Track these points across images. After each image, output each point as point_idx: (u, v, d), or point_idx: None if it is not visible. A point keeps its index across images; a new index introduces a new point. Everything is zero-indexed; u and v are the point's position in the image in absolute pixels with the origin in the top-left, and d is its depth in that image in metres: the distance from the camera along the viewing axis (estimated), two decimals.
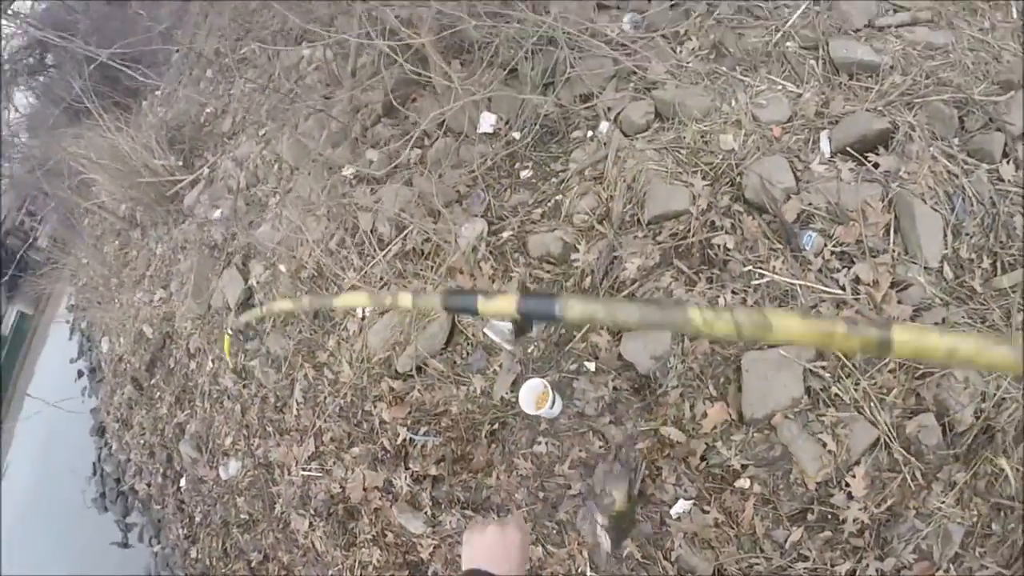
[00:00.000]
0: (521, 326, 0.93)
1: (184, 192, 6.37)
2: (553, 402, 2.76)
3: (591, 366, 2.88)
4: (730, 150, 2.91)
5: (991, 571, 2.14)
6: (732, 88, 3.13)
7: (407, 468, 3.04)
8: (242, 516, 4.11)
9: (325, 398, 3.65)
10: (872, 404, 2.26)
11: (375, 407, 3.29)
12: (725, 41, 3.29)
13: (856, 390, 2.29)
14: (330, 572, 3.42)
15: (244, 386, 4.30)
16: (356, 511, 3.30)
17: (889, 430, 2.22)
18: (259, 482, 3.99)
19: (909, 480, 2.19)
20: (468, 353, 3.18)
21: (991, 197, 2.61)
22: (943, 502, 2.15)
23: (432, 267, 3.53)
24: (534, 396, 2.81)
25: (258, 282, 4.53)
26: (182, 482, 4.82)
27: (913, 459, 2.19)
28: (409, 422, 3.10)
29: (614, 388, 2.81)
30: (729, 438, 2.55)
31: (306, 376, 3.80)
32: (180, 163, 6.47)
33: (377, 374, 3.35)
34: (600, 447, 2.74)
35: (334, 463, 3.45)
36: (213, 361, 4.75)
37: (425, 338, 3.21)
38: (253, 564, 3.98)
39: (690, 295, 2.83)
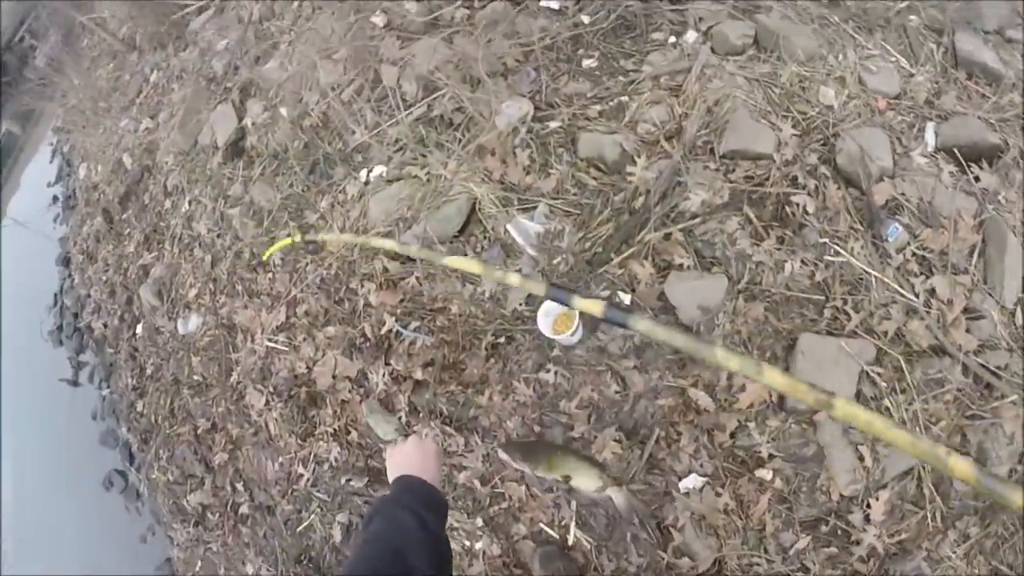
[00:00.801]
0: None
1: (191, 17, 5.49)
2: (577, 328, 2.20)
3: (626, 298, 2.31)
4: (828, 106, 2.55)
5: None
6: (842, 41, 2.72)
7: (387, 364, 2.49)
8: (195, 377, 3.59)
9: (307, 265, 3.05)
10: (918, 429, 2.03)
11: (362, 287, 2.71)
12: None
13: (907, 410, 2.04)
14: (280, 459, 2.94)
15: (219, 235, 3.68)
16: (320, 399, 2.79)
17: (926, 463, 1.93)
18: (218, 344, 3.45)
19: (929, 520, 2.00)
20: (483, 247, 2.58)
21: None
22: (954, 552, 1.97)
23: (460, 141, 2.86)
24: (555, 316, 2.25)
25: (253, 123, 3.81)
26: (138, 328, 4.27)
27: (939, 499, 2.01)
28: (399, 312, 2.53)
29: None
30: (764, 421, 2.11)
31: (290, 235, 3.18)
32: None
33: (372, 249, 2.75)
34: (616, 392, 2.20)
35: (304, 340, 2.89)
36: (190, 203, 4.09)
37: (437, 219, 2.59)
38: (199, 431, 3.50)
39: (755, 251, 2.30)
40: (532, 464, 2.05)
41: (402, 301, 2.55)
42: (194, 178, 4.16)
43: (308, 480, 2.77)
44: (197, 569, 3.56)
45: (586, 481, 2.09)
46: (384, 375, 2.47)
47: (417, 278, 2.56)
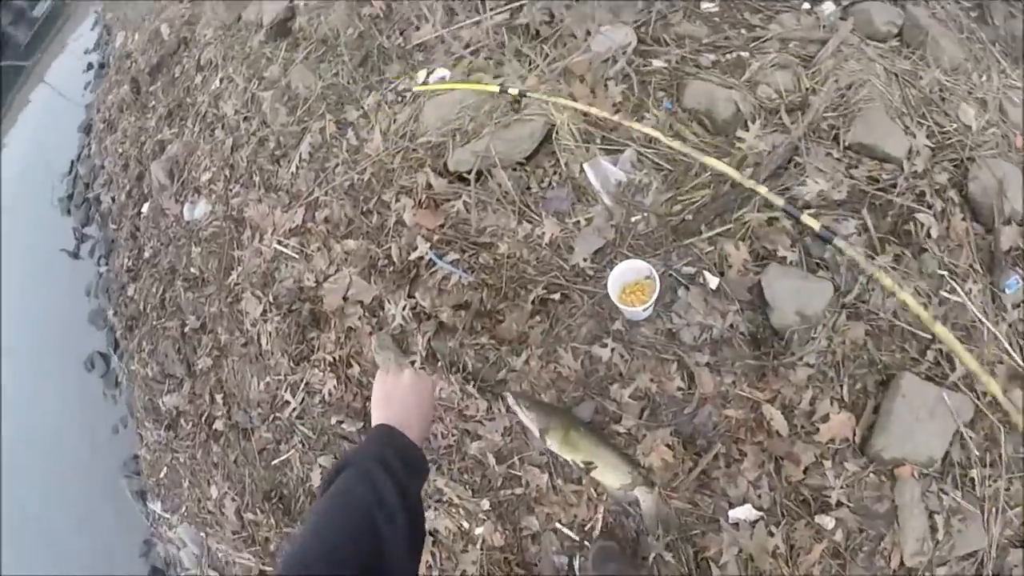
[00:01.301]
0: None
1: None
2: (652, 303, 1.72)
3: (712, 280, 1.82)
4: (967, 126, 2.16)
5: None
6: (987, 61, 2.37)
7: (411, 296, 2.03)
8: (192, 270, 3.16)
9: (336, 166, 2.57)
10: (995, 510, 1.72)
11: (397, 201, 2.23)
12: (993, 9, 2.59)
13: (990, 485, 1.72)
14: (267, 379, 2.52)
15: (245, 119, 3.19)
16: (324, 320, 2.34)
17: (992, 549, 1.68)
18: (223, 237, 3.00)
19: None
20: (551, 184, 2.07)
21: None
22: None
23: (545, 57, 2.33)
24: (628, 281, 1.77)
25: (306, 4, 3.28)
26: (144, 208, 3.83)
27: None
28: (436, 239, 2.05)
29: (730, 325, 1.77)
30: (842, 463, 1.70)
31: (323, 131, 2.69)
32: None
33: (417, 160, 2.26)
34: (679, 390, 1.73)
35: (318, 250, 2.43)
36: (221, 81, 3.59)
37: (506, 138, 2.08)
38: (187, 329, 3.09)
39: (869, 264, 1.83)
40: (544, 429, 1.62)
41: (442, 226, 2.07)
42: (231, 55, 3.65)
43: (294, 410, 2.35)
44: (161, 475, 3.20)
45: (612, 475, 1.65)
46: (405, 308, 2.01)
47: (466, 203, 2.07)
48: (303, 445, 2.33)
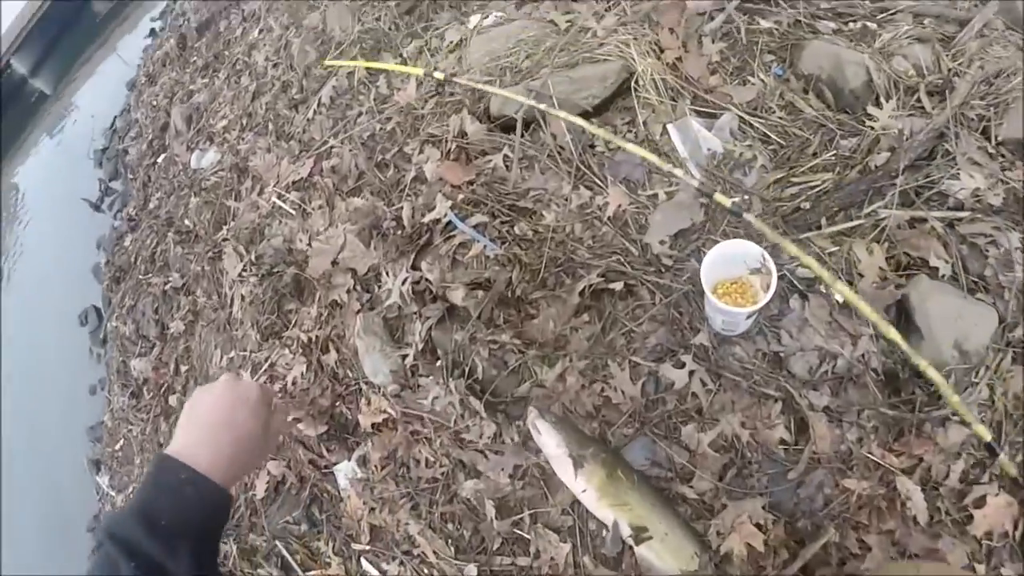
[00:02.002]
0: None
1: None
2: (755, 312, 1.12)
3: (837, 294, 1.22)
4: None
5: None
6: None
7: (415, 267, 1.46)
8: (186, 222, 2.67)
9: (359, 115, 2.05)
10: None
11: (420, 152, 1.69)
12: None
13: None
14: (232, 353, 1.98)
15: (275, 65, 2.74)
16: (308, 291, 1.80)
17: None
18: (223, 188, 2.51)
19: None
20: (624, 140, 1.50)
21: None
22: None
23: None
24: (725, 277, 1.18)
25: None
26: (160, 158, 3.41)
27: None
28: (460, 198, 1.48)
29: (861, 356, 1.16)
30: (997, 568, 1.12)
31: (350, 76, 2.19)
32: None
33: (453, 104, 1.72)
34: (782, 444, 1.11)
35: (320, 207, 1.90)
36: (260, 31, 3.17)
37: (571, 78, 1.52)
38: (168, 287, 2.59)
39: None
40: (578, 458, 1.01)
41: (471, 184, 1.50)
42: (276, 6, 3.23)
43: None
44: (117, 447, 2.69)
45: (670, 554, 1.02)
46: (406, 283, 1.45)
47: (507, 158, 1.51)
48: None
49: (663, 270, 1.26)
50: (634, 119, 1.51)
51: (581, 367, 1.19)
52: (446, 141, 1.63)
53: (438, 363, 1.33)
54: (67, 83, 7.51)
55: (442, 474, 1.28)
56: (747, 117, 1.53)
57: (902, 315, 1.22)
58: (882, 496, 1.08)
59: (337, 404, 1.55)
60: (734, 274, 1.18)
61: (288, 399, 1.61)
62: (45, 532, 3.15)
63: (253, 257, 2.02)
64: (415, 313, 1.41)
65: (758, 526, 1.06)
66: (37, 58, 8.10)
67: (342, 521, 1.47)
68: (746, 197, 1.40)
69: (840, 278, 1.24)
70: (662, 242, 1.29)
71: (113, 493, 2.58)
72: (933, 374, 1.12)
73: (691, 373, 1.15)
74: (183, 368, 2.31)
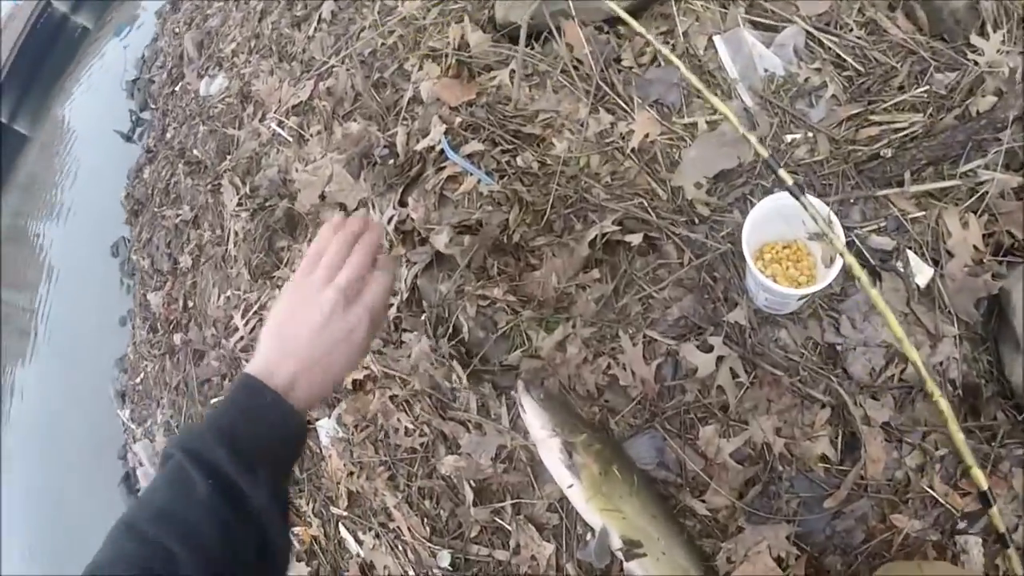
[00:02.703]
0: None
1: None
2: (816, 286, 0.82)
3: (920, 271, 0.90)
4: None
5: None
6: None
7: (402, 203, 1.21)
8: (195, 152, 2.49)
9: (362, 30, 1.76)
10: None
11: (420, 68, 1.40)
12: None
13: None
14: (228, 292, 1.82)
15: None
16: (300, 224, 1.59)
17: None
18: (228, 115, 2.30)
19: None
20: (656, 59, 1.18)
21: None
22: None
23: None
24: (773, 239, 0.88)
25: None
26: (177, 87, 3.20)
27: None
28: (458, 121, 1.21)
29: (939, 363, 0.86)
30: None
31: None
32: None
33: (456, 12, 1.41)
34: (823, 461, 0.85)
35: (318, 133, 1.66)
36: None
37: None
38: (179, 220, 2.45)
39: None
40: (568, 444, 0.79)
41: (471, 105, 1.22)
42: None
43: (242, 340, 1.63)
44: (138, 380, 2.65)
45: (668, 568, 0.81)
46: (392, 221, 1.21)
47: (513, 73, 1.21)
48: None
49: (696, 221, 0.97)
50: (672, 29, 1.18)
51: (586, 335, 0.94)
52: (447, 55, 1.33)
53: (423, 317, 1.10)
54: (108, 17, 7.35)
55: (421, 445, 1.08)
56: (816, 33, 1.17)
57: (994, 314, 0.90)
58: (933, 544, 0.82)
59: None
60: (788, 236, 0.89)
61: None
62: (79, 458, 3.23)
63: (248, 189, 1.82)
64: (403, 256, 1.17)
65: (778, 560, 0.81)
66: None
67: (322, 482, 1.32)
68: (810, 135, 1.07)
69: (924, 255, 0.93)
70: (698, 185, 0.99)
71: (134, 426, 2.55)
72: None
73: (719, 359, 0.88)
74: (190, 304, 2.19)
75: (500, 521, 0.97)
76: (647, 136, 1.05)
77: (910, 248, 0.96)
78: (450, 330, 1.04)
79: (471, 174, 1.10)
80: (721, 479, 0.82)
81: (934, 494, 0.80)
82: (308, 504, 1.36)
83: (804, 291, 0.79)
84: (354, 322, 0.50)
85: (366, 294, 0.52)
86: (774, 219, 0.84)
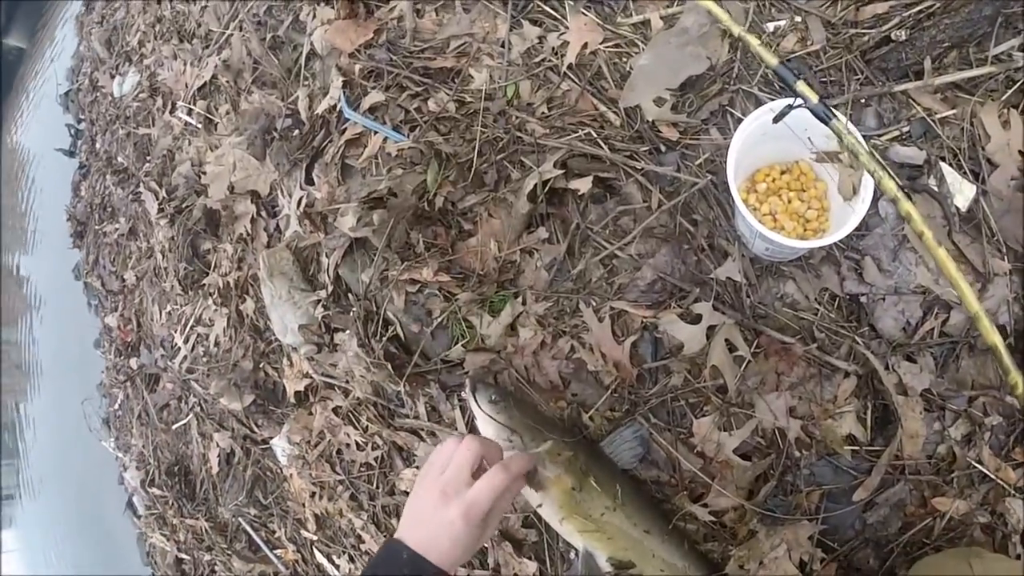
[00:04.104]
0: None
1: None
2: (842, 233, 0.59)
3: (960, 189, 0.71)
4: None
5: None
6: None
7: (309, 182, 0.97)
8: (120, 160, 2.20)
9: None
10: None
11: (313, 16, 1.12)
12: None
13: None
14: (168, 307, 1.59)
15: None
16: (218, 221, 1.35)
17: None
18: (142, 113, 2.00)
19: None
20: None
21: None
22: None
23: None
24: (782, 149, 0.64)
25: None
26: (97, 92, 2.86)
27: None
28: (359, 70, 0.95)
29: (989, 309, 0.63)
30: None
31: None
32: None
33: None
34: (849, 442, 0.66)
35: (227, 114, 1.39)
36: None
37: None
38: (118, 236, 2.18)
39: None
40: (539, 454, 0.59)
41: (369, 47, 0.96)
42: None
43: (186, 359, 1.42)
44: (116, 407, 2.45)
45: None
46: (301, 203, 0.97)
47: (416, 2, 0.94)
48: (200, 409, 1.41)
49: (663, 150, 0.73)
50: None
51: (539, 313, 0.72)
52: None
53: (352, 313, 0.88)
54: (39, 35, 6.77)
55: (376, 459, 0.88)
56: None
57: None
58: (981, 526, 0.63)
59: (261, 365, 1.15)
60: (787, 156, 0.65)
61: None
62: (87, 485, 3.11)
63: (166, 192, 1.56)
64: (316, 245, 0.94)
65: (800, 565, 0.62)
66: (5, 16, 7.31)
67: (289, 505, 1.13)
68: (798, 19, 0.82)
69: (962, 167, 0.69)
70: (659, 101, 0.74)
71: (120, 454, 2.37)
72: None
73: (711, 330, 0.66)
74: (142, 320, 1.96)
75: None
76: (585, 47, 0.80)
77: (943, 159, 0.72)
78: (380, 326, 0.82)
79: (374, 132, 0.86)
80: (725, 479, 0.62)
81: (983, 469, 0.61)
82: (280, 529, 1.18)
83: (813, 242, 0.57)
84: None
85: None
86: (761, 137, 0.61)
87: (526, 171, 0.76)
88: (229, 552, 1.36)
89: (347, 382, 0.88)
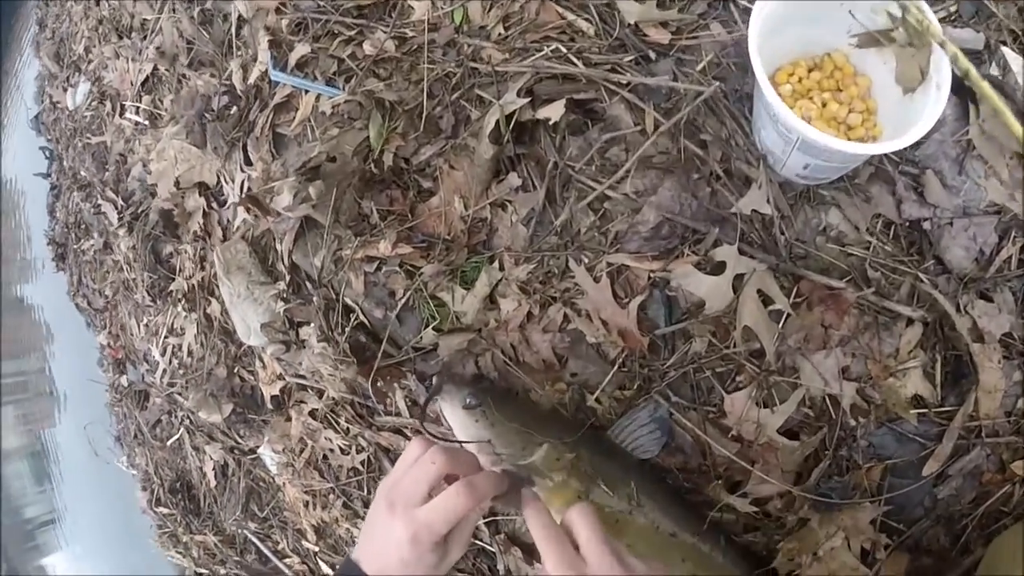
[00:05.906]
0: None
1: None
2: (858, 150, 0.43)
3: None
4: None
5: None
6: None
7: (247, 161, 0.82)
8: (83, 174, 2.04)
9: None
10: None
11: None
12: None
13: None
14: (145, 319, 1.46)
15: None
16: (175, 222, 1.20)
17: None
18: (96, 122, 1.84)
19: None
20: None
21: None
22: None
23: None
24: (811, 38, 0.47)
25: None
26: (57, 109, 2.68)
27: None
28: (285, 24, 0.79)
29: None
30: None
31: None
32: None
33: None
34: (916, 404, 0.50)
35: (172, 104, 1.23)
36: None
37: None
38: (93, 252, 2.04)
39: None
40: (519, 465, 0.45)
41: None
42: None
43: (166, 373, 1.30)
44: (121, 425, 2.34)
45: None
46: (244, 185, 0.83)
47: None
48: (189, 422, 1.29)
49: (653, 57, 0.58)
50: None
51: (522, 278, 0.58)
52: None
53: (314, 303, 0.74)
54: (10, 59, 6.49)
55: (363, 463, 0.76)
56: None
57: None
58: None
59: (236, 370, 1.02)
60: (816, 48, 0.50)
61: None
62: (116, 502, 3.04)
63: (123, 200, 1.41)
64: (268, 231, 0.80)
65: (863, 553, 0.50)
66: None
67: (286, 515, 1.02)
68: None
69: None
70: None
71: (132, 472, 2.28)
72: None
73: (738, 279, 0.52)
74: (124, 339, 1.84)
75: (479, 542, 0.66)
76: None
77: (1003, 43, 0.57)
78: (341, 316, 0.68)
79: (304, 91, 0.71)
80: (768, 463, 0.49)
81: None
82: (282, 540, 1.07)
83: (868, 148, 0.42)
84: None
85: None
86: (789, 20, 0.46)
87: (486, 107, 0.61)
88: (242, 564, 1.27)
89: (317, 382, 0.75)
